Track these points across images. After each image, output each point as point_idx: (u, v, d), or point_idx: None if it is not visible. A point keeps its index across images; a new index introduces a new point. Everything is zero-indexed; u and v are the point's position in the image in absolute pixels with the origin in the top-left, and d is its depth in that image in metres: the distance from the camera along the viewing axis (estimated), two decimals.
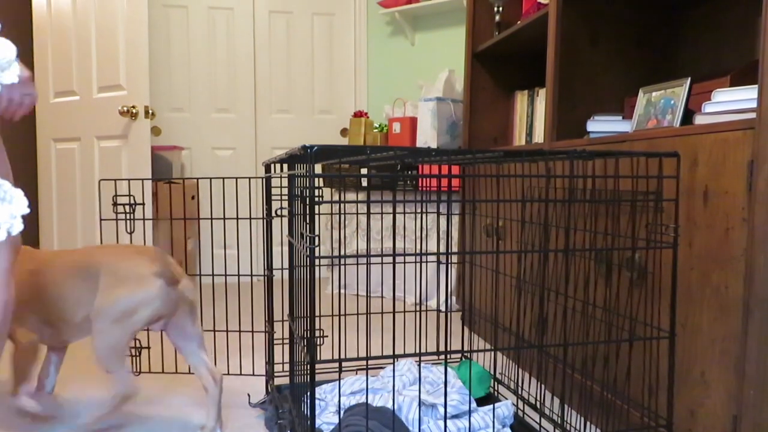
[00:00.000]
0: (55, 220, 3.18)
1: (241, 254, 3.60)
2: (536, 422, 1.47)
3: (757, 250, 1.05)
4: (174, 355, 2.09)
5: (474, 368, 1.60)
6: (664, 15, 1.87)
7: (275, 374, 1.89)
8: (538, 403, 1.51)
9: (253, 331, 1.76)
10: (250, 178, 1.70)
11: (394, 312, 1.22)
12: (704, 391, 1.17)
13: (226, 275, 1.68)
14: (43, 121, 3.21)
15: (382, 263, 1.52)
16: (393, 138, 3.18)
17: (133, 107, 2.78)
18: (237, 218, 1.70)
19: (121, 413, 1.55)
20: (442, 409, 1.31)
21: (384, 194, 3.03)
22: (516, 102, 2.53)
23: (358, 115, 3.47)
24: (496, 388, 1.64)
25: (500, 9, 2.44)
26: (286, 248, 3.67)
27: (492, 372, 1.91)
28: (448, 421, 1.30)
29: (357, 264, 1.47)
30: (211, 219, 1.69)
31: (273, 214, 1.63)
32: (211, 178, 1.72)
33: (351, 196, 3.17)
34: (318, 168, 2.79)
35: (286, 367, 2.00)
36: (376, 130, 3.36)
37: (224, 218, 1.62)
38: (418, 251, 2.93)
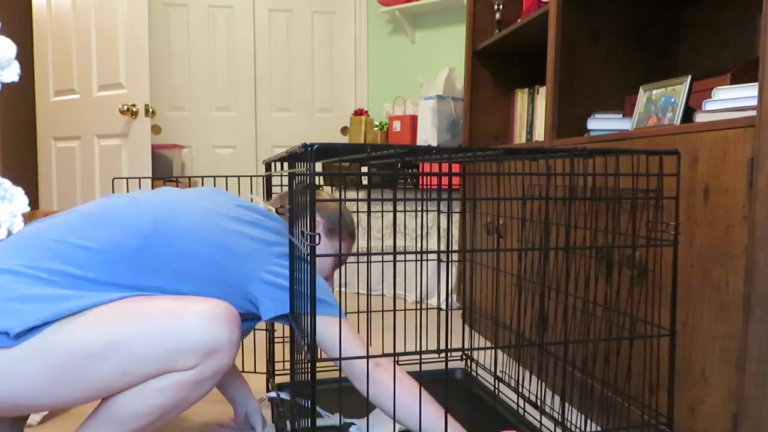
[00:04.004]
0: None
1: None
2: (537, 420, 1.47)
3: (758, 248, 1.05)
4: None
5: None
6: (664, 13, 1.86)
7: (276, 372, 1.89)
8: (538, 401, 1.51)
9: (254, 329, 1.76)
10: (250, 176, 1.70)
11: (394, 310, 1.22)
12: (705, 388, 1.17)
13: None
14: (44, 120, 3.21)
15: (382, 261, 1.52)
16: (393, 136, 3.18)
17: (134, 106, 2.78)
18: None
19: None
20: None
21: (384, 192, 3.03)
22: (516, 100, 2.52)
23: (359, 113, 3.47)
24: (497, 386, 1.65)
25: (500, 7, 2.43)
26: None
27: (492, 370, 1.91)
28: None
29: (357, 262, 1.48)
30: None
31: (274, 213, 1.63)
32: (213, 177, 1.72)
33: (351, 194, 3.17)
34: (318, 166, 2.79)
35: (287, 365, 2.00)
36: (376, 129, 3.36)
37: None
38: (418, 249, 2.93)
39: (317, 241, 1.41)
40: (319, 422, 1.46)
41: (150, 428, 1.10)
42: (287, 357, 2.08)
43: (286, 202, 1.43)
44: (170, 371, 1.04)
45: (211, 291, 1.17)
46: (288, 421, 1.36)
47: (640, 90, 1.58)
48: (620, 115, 1.69)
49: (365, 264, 3.15)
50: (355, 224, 1.52)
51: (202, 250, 1.15)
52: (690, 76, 1.43)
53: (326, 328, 1.16)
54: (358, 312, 1.53)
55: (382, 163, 2.24)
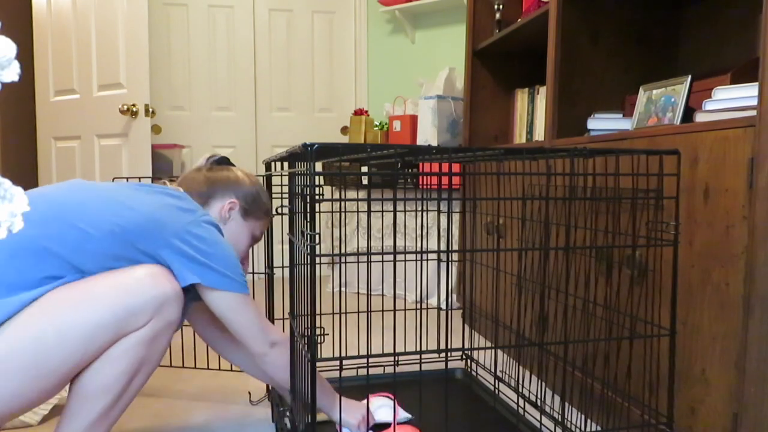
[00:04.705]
0: None
1: None
2: (537, 420, 1.47)
3: (758, 248, 1.05)
4: (175, 350, 2.09)
5: None
6: (664, 12, 1.86)
7: None
8: (538, 401, 1.51)
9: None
10: None
11: (394, 310, 1.22)
12: (705, 388, 1.17)
13: None
14: (44, 120, 3.21)
15: (382, 261, 1.52)
16: (393, 136, 3.18)
17: (134, 105, 2.78)
18: None
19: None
20: None
21: (384, 192, 3.03)
22: (516, 100, 2.52)
23: (359, 113, 3.47)
24: (497, 386, 1.65)
25: (501, 7, 2.43)
26: (286, 246, 3.67)
27: (492, 370, 1.91)
28: None
29: (357, 262, 1.48)
30: None
31: (274, 213, 1.63)
32: None
33: (351, 194, 3.17)
34: (318, 166, 2.79)
35: None
36: (376, 128, 3.36)
37: None
38: (418, 249, 2.93)
39: (235, 214, 1.41)
40: (318, 418, 1.46)
41: (125, 400, 1.13)
42: None
43: (188, 184, 1.40)
44: (125, 334, 1.08)
45: (126, 264, 1.15)
46: (288, 420, 1.36)
47: (640, 90, 1.58)
48: (620, 115, 1.69)
49: (365, 264, 3.14)
50: (271, 203, 1.50)
51: (108, 224, 1.13)
52: (690, 76, 1.43)
53: (231, 306, 1.21)
54: (358, 312, 1.53)
55: (382, 163, 2.24)
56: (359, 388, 1.71)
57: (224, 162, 1.49)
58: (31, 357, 1.00)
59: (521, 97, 2.48)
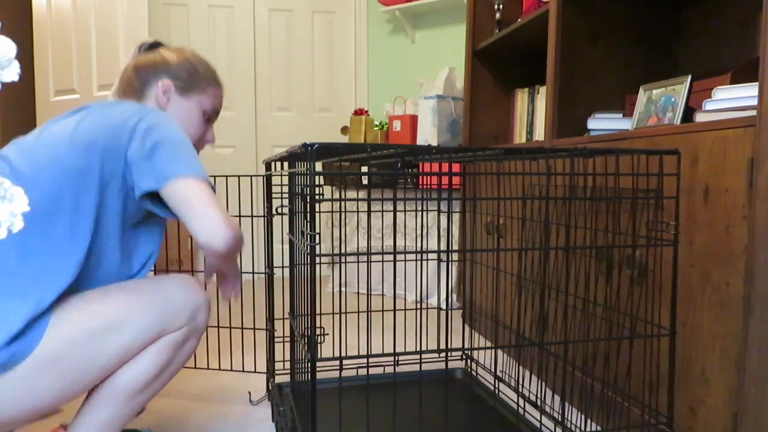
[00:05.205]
0: None
1: (243, 252, 3.60)
2: (537, 420, 1.47)
3: (758, 248, 1.05)
4: None
5: None
6: (664, 12, 1.87)
7: (276, 372, 1.89)
8: (538, 401, 1.51)
9: (254, 329, 1.77)
10: (251, 176, 1.70)
11: (394, 310, 1.22)
12: (705, 388, 1.17)
13: None
14: (44, 120, 3.21)
15: (382, 261, 1.52)
16: (393, 136, 3.18)
17: None
18: (239, 216, 1.69)
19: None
20: None
21: (384, 192, 3.03)
22: (516, 100, 2.52)
23: (359, 113, 3.47)
24: (497, 386, 1.65)
25: (501, 7, 2.43)
26: (286, 246, 3.67)
27: (492, 370, 1.92)
28: None
29: (357, 262, 1.48)
30: None
31: (274, 212, 1.63)
32: (214, 177, 1.72)
33: (351, 194, 3.17)
34: (318, 166, 2.79)
35: (287, 365, 2.00)
36: (376, 128, 3.36)
37: None
38: (418, 249, 2.93)
39: (169, 97, 1.28)
40: None
41: (146, 396, 1.14)
42: (287, 357, 2.08)
43: (122, 89, 1.29)
44: (163, 335, 1.11)
45: (94, 192, 1.07)
46: (288, 420, 1.36)
47: (640, 90, 1.58)
48: (620, 115, 1.69)
49: (365, 264, 3.15)
50: (213, 69, 1.34)
51: (66, 161, 1.06)
52: (690, 76, 1.43)
53: (184, 193, 1.04)
54: (358, 312, 1.53)
55: (382, 163, 2.24)
56: (359, 388, 1.71)
57: (155, 46, 1.34)
58: (83, 357, 1.03)
59: (521, 97, 2.48)
